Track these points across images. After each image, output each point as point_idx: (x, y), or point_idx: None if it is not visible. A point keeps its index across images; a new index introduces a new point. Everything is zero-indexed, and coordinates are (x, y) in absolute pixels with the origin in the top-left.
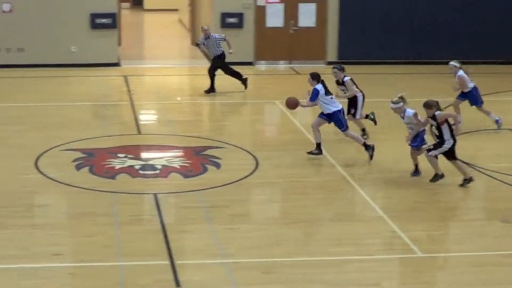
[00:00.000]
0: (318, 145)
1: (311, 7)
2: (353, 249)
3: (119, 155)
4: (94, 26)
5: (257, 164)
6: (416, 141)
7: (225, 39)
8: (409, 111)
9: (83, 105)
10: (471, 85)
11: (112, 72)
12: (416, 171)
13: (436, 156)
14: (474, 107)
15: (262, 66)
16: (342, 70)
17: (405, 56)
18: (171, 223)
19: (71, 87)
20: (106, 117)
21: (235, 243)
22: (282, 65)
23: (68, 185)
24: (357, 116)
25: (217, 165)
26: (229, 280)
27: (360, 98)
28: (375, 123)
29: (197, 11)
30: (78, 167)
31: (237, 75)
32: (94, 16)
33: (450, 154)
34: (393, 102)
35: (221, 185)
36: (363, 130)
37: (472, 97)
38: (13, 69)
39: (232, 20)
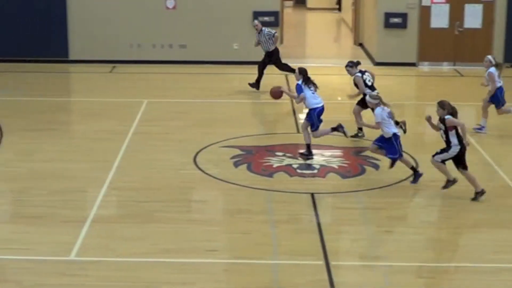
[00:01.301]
0: (308, 146)
1: (478, 8)
2: None
3: (278, 153)
4: None
5: (416, 166)
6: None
7: (273, 35)
8: (377, 112)
9: (243, 102)
10: (498, 84)
11: (273, 70)
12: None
13: (443, 162)
14: None
15: (425, 67)
16: (355, 66)
17: None
18: (327, 223)
19: (232, 84)
20: (266, 115)
21: (391, 246)
22: (445, 67)
23: (226, 181)
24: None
25: (376, 167)
26: (384, 283)
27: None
28: (405, 131)
29: (360, 10)
30: (236, 164)
31: (288, 69)
32: (256, 14)
33: (458, 162)
34: (370, 96)
35: (379, 187)
36: (360, 129)
37: (494, 97)
38: (174, 65)
39: (396, 20)
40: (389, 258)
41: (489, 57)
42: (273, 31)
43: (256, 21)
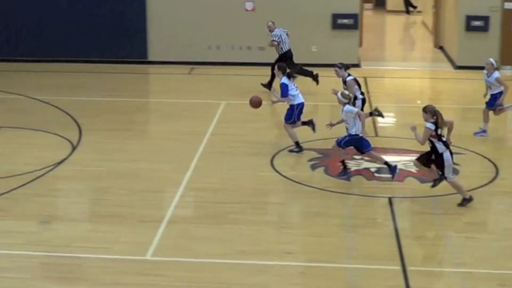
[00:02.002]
0: (296, 143)
1: None
2: None
3: (355, 156)
4: (336, 26)
5: (497, 172)
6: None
7: (273, 40)
8: (348, 108)
9: (322, 105)
10: (500, 88)
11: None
12: (344, 172)
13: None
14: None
15: (507, 71)
16: (345, 68)
17: None
18: (405, 228)
19: (310, 86)
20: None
21: (470, 253)
22: None
23: (302, 184)
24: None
25: (456, 172)
26: None
27: (358, 102)
28: (382, 116)
29: (441, 13)
30: (313, 167)
31: (270, 81)
32: (336, 16)
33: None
34: (342, 95)
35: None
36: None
37: (492, 100)
38: (253, 67)
39: (477, 23)
40: (467, 265)
41: (491, 60)
42: (275, 38)
43: (270, 23)
